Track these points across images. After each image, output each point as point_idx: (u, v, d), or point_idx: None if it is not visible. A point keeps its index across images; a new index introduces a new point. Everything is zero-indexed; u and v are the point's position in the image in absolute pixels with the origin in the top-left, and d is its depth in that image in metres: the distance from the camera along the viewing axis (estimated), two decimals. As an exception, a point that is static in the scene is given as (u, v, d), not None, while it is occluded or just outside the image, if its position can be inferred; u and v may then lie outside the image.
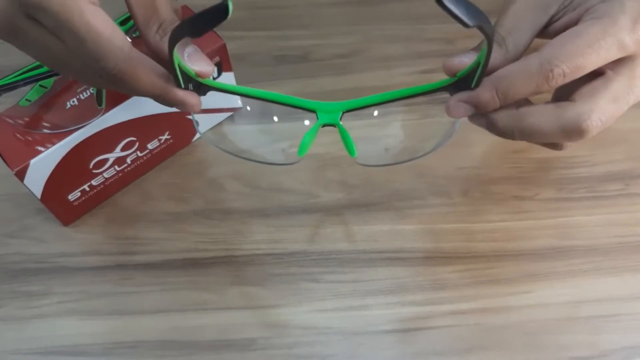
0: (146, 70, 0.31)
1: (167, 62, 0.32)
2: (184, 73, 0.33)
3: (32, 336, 0.41)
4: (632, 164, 0.46)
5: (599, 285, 0.41)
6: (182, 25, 0.27)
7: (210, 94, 0.36)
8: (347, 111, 0.37)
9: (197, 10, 0.47)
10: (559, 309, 0.40)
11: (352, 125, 0.37)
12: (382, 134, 0.41)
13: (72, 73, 0.32)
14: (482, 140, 0.48)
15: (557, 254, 0.42)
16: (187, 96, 0.34)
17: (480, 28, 0.27)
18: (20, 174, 0.40)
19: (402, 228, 0.44)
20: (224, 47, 0.45)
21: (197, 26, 0.27)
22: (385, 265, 0.43)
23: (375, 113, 0.39)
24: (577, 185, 0.45)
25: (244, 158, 0.40)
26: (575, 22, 0.32)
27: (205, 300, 0.42)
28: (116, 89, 0.33)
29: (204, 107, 0.36)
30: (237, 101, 0.50)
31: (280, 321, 0.41)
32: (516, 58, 0.32)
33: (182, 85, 0.34)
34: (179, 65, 0.32)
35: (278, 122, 0.41)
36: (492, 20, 0.34)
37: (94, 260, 0.44)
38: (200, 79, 0.35)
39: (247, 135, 0.44)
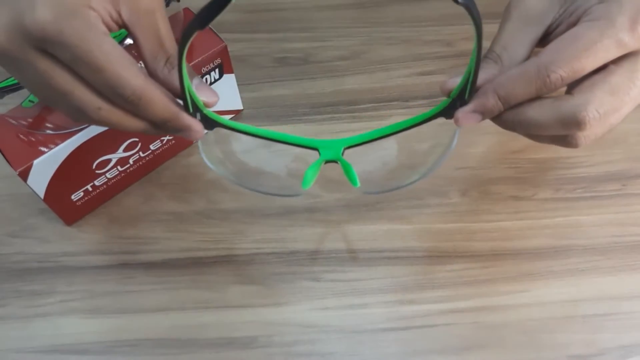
0: (160, 95, 0.32)
1: (176, 95, 0.34)
2: (193, 101, 0.34)
3: (35, 335, 0.42)
4: (630, 165, 0.46)
5: (597, 284, 0.42)
6: (192, 22, 0.28)
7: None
8: (348, 147, 0.38)
9: (196, 11, 0.47)
10: (557, 307, 0.41)
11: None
12: (382, 158, 0.42)
13: (66, 107, 0.32)
14: (480, 141, 0.48)
15: (555, 253, 0.43)
16: (193, 122, 0.35)
17: (468, 8, 0.28)
18: (24, 174, 0.41)
19: (401, 228, 0.45)
20: (225, 49, 0.45)
21: (205, 16, 0.28)
22: (385, 265, 0.43)
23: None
24: (575, 186, 0.46)
25: (250, 189, 0.41)
26: (573, 26, 0.32)
27: (206, 299, 0.43)
28: (117, 124, 0.34)
29: None
30: (238, 103, 0.50)
31: (280, 319, 0.41)
32: None
33: (190, 110, 0.35)
34: (189, 91, 0.33)
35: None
36: (490, 25, 0.35)
37: (97, 259, 0.45)
38: (207, 111, 0.36)
39: (248, 151, 0.44)
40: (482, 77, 0.33)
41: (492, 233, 0.44)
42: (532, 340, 0.40)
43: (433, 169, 0.40)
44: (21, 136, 0.42)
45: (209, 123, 0.36)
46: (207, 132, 0.36)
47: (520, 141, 0.47)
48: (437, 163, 0.39)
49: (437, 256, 0.43)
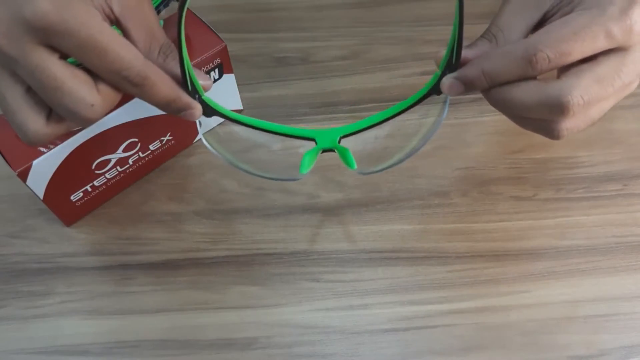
0: (163, 75, 0.34)
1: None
2: (192, 84, 0.35)
3: (35, 336, 0.42)
4: (631, 165, 0.46)
5: (598, 284, 0.41)
6: None
7: (213, 93, 0.37)
8: (345, 136, 0.38)
9: (195, 11, 0.47)
10: (558, 308, 0.41)
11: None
12: (377, 137, 0.42)
13: (57, 106, 0.32)
14: (480, 141, 0.48)
15: (556, 253, 0.43)
16: (194, 102, 0.36)
17: None
18: (23, 175, 0.40)
19: (402, 228, 0.45)
20: (225, 49, 0.45)
21: None
22: (385, 265, 0.43)
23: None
24: (576, 186, 0.45)
25: (248, 172, 0.41)
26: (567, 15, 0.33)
27: (206, 299, 0.42)
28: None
29: None
30: (238, 103, 0.50)
31: (280, 320, 0.41)
32: None
33: (189, 88, 0.35)
34: (189, 72, 0.34)
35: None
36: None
37: (96, 260, 0.45)
38: (204, 97, 0.36)
39: (248, 138, 0.44)
40: (474, 52, 0.34)
41: (493, 233, 0.44)
42: (532, 341, 0.40)
43: (427, 139, 0.40)
44: (20, 137, 0.42)
45: (207, 110, 0.37)
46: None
47: (520, 141, 0.48)
48: (430, 132, 0.39)
49: (438, 257, 0.43)
